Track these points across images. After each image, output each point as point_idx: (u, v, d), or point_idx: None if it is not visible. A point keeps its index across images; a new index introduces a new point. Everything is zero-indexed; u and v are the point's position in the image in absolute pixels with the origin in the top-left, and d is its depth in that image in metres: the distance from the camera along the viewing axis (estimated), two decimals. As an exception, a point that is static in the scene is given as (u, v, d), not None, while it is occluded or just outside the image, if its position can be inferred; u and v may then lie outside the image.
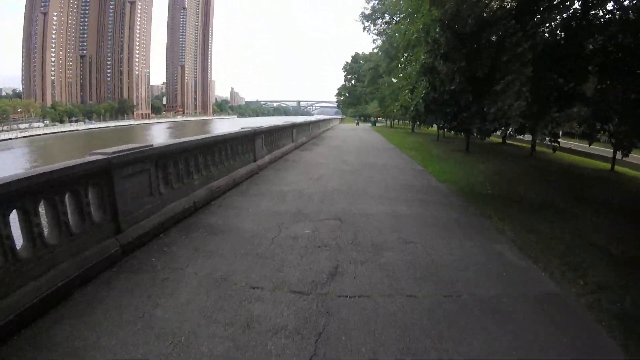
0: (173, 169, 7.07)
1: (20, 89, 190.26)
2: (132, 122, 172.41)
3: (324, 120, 37.80)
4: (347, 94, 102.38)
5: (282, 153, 16.87)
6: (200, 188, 8.17)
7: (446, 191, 10.87)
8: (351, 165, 14.89)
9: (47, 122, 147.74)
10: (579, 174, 18.04)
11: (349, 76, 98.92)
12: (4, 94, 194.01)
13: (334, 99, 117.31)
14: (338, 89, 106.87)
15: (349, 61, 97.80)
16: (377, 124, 74.39)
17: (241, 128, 12.12)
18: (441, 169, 15.10)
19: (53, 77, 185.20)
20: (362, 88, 77.94)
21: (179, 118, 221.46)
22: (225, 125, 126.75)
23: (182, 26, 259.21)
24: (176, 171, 7.21)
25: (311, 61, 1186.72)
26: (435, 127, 27.35)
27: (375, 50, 53.78)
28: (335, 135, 32.71)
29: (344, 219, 7.45)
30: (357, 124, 78.28)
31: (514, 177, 14.69)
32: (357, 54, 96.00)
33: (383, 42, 43.87)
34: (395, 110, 35.63)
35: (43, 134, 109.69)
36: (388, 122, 75.88)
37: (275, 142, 16.20)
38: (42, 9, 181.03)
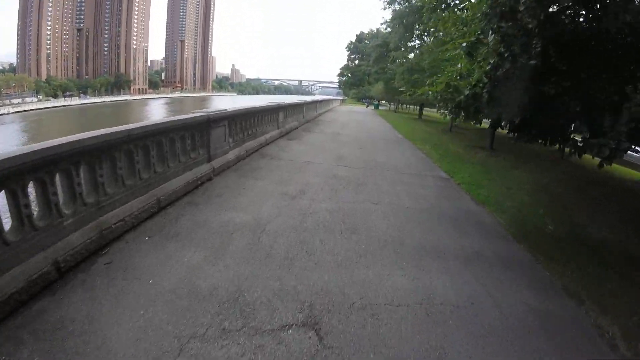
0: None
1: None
2: (127, 97, 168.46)
3: (322, 101, 32.81)
4: (349, 75, 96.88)
5: (260, 144, 12.78)
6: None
7: (493, 227, 6.94)
8: (350, 167, 10.81)
9: (41, 96, 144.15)
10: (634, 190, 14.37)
11: (352, 56, 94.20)
12: (0, 68, 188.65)
13: (336, 79, 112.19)
14: (340, 69, 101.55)
15: (354, 40, 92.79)
16: (379, 107, 68.75)
17: (214, 111, 9.21)
18: (471, 177, 11.06)
19: (48, 51, 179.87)
20: (367, 67, 72.44)
21: (177, 94, 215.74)
22: (223, 102, 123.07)
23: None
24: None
25: (315, 40, 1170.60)
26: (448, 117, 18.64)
27: (383, 27, 48.34)
28: (333, 119, 27.98)
29: (325, 327, 3.49)
30: (367, 106, 72.72)
31: (564, 196, 10.81)
32: (362, 33, 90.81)
33: (395, 10, 39.53)
34: (433, 92, 24.91)
35: (36, 109, 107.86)
36: (392, 105, 70.44)
37: (249, 130, 12.04)
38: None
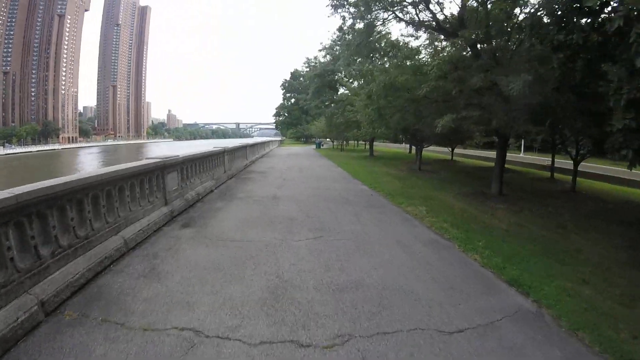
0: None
1: None
2: (56, 146, 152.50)
3: (253, 145, 25.91)
4: (286, 114, 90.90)
5: (110, 254, 5.58)
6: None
7: None
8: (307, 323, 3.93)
9: None
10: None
11: (288, 94, 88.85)
12: None
13: (274, 120, 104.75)
14: (276, 109, 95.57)
15: (288, 78, 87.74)
16: (322, 146, 58.82)
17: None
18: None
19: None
20: (305, 102, 65.19)
21: (110, 142, 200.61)
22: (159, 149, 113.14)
23: (115, 43, 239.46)
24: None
25: (252, 81, 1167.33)
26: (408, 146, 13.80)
27: (322, 54, 40.35)
28: (270, 168, 20.69)
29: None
30: (318, 146, 57.98)
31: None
32: (296, 71, 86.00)
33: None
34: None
35: None
36: (335, 143, 60.70)
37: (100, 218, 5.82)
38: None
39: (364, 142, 55.50)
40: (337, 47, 34.05)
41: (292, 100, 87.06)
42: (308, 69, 37.77)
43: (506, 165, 15.48)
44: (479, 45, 11.98)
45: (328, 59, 35.83)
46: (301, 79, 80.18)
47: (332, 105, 36.72)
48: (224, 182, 14.12)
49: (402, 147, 49.74)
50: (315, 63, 38.89)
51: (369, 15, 14.28)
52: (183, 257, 5.96)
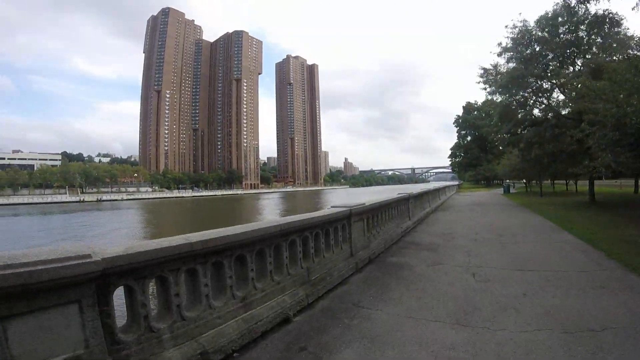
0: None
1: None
2: (239, 191, 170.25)
3: (420, 195, 16.26)
4: (462, 154, 78.53)
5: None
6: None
7: None
8: None
9: (156, 187, 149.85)
10: None
11: (462, 132, 76.69)
12: (133, 159, 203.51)
13: (449, 162, 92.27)
14: (451, 149, 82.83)
15: (461, 113, 76.65)
16: (511, 190, 44.42)
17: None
18: None
19: (166, 148, 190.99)
20: (487, 131, 49.44)
21: (289, 188, 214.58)
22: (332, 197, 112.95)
23: (290, 100, 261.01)
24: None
25: (426, 124, 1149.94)
26: None
27: (503, 59, 26.49)
28: (444, 233, 11.33)
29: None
30: (507, 190, 42.93)
31: None
32: (469, 104, 75.26)
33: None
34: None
35: (148, 198, 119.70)
36: (528, 184, 49.11)
37: None
38: (155, 87, 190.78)
39: (565, 182, 42.80)
40: (521, 48, 24.93)
41: (468, 138, 75.84)
42: (486, 88, 26.91)
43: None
44: None
45: (513, 65, 25.07)
46: (475, 112, 70.32)
47: (529, 129, 25.76)
48: (367, 263, 7.46)
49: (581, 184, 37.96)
50: (495, 74, 26.59)
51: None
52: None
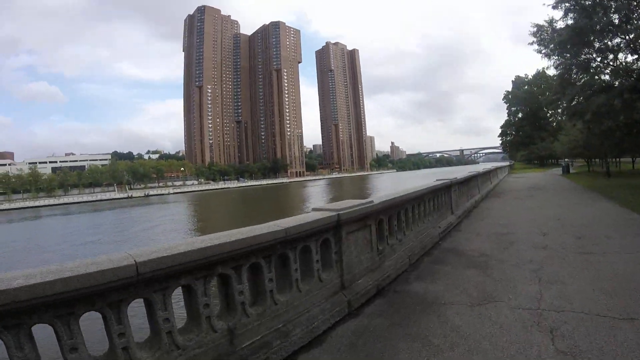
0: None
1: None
2: (284, 180, 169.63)
3: (467, 179, 12.28)
4: (514, 132, 72.26)
5: None
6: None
7: None
8: None
9: (202, 180, 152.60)
10: None
11: (512, 108, 69.96)
12: (180, 154, 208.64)
13: (499, 141, 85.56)
14: (501, 127, 76.61)
15: (510, 89, 70.12)
16: (570, 171, 36.82)
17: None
18: None
19: (211, 141, 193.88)
20: (547, 96, 43.10)
21: (335, 175, 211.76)
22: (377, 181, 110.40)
23: (332, 87, 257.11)
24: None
25: (474, 101, 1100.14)
26: None
27: (559, 11, 21.43)
28: (499, 234, 8.13)
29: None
30: (566, 170, 36.27)
31: None
32: (518, 78, 68.65)
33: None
34: None
35: (194, 191, 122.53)
36: (592, 163, 42.42)
37: None
38: (197, 83, 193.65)
39: (632, 159, 37.67)
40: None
41: (519, 115, 69.08)
42: (541, 50, 21.50)
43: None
44: None
45: (571, 20, 20.31)
46: (526, 87, 64.55)
47: (598, 96, 20.85)
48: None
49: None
50: (551, 32, 21.13)
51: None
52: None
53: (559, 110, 39.42)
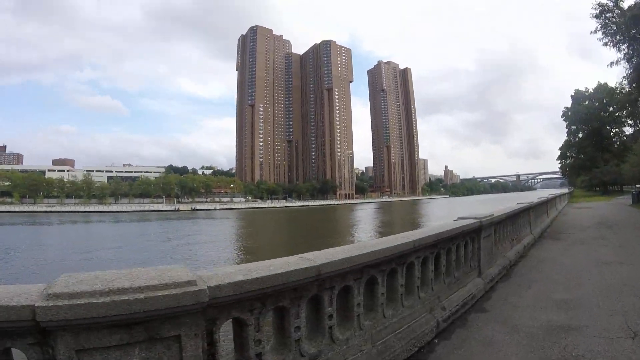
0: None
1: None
2: (332, 201, 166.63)
3: (510, 215, 8.14)
4: (574, 154, 64.83)
5: None
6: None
7: None
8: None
9: (249, 197, 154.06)
10: None
11: (572, 127, 62.32)
12: (233, 171, 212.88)
13: (558, 165, 77.75)
14: (560, 149, 69.46)
15: (569, 105, 62.82)
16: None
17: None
18: None
19: (261, 159, 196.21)
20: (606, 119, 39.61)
21: (385, 198, 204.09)
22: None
23: (384, 107, 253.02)
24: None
25: (530, 127, 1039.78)
26: None
27: None
28: (562, 302, 5.11)
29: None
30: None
31: None
32: (578, 92, 61.59)
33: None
34: None
35: (240, 208, 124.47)
36: None
37: None
38: (249, 101, 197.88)
39: None
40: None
41: (580, 135, 61.45)
42: (607, 42, 18.28)
43: None
44: None
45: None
46: (586, 102, 58.02)
47: None
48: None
49: None
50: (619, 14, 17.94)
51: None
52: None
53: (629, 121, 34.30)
